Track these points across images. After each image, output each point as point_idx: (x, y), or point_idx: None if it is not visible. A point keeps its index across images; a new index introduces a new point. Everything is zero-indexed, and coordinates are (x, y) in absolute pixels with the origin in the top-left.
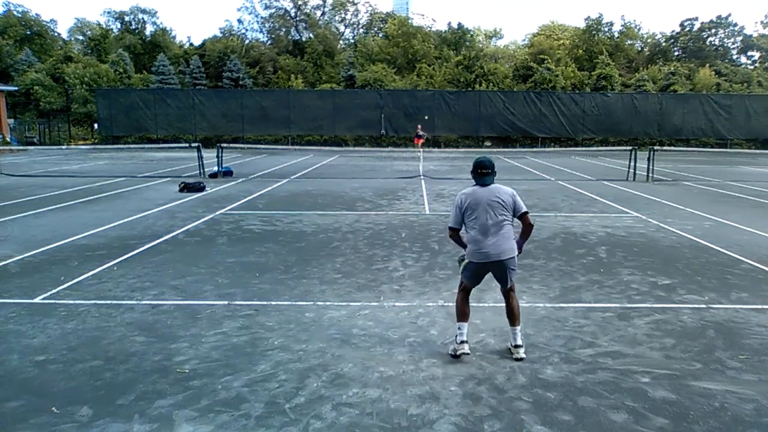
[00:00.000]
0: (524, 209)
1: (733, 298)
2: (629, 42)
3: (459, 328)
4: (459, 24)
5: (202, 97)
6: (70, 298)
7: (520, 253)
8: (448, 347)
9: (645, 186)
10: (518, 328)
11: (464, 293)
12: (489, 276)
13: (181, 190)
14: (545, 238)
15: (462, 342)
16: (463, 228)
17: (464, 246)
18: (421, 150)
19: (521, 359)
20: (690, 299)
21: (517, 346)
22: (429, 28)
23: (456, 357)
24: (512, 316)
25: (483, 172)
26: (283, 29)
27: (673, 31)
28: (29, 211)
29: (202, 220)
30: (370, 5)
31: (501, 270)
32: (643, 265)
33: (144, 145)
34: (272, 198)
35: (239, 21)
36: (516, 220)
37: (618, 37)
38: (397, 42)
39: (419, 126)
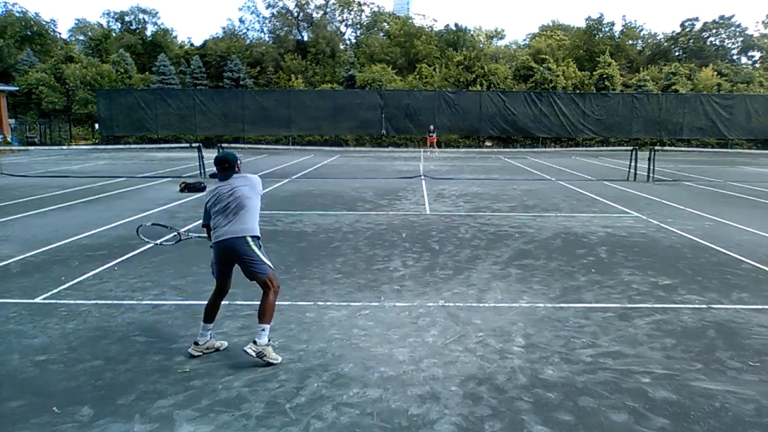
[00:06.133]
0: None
1: (733, 299)
2: (630, 42)
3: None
4: (456, 24)
5: (202, 97)
6: (70, 298)
7: None
8: (448, 347)
9: (645, 186)
10: (263, 327)
11: (214, 291)
12: (490, 276)
13: (181, 190)
14: (546, 238)
15: (195, 342)
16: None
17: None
18: (435, 149)
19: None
20: (690, 299)
21: (254, 342)
22: (430, 29)
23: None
24: (261, 312)
25: (221, 168)
26: (285, 29)
27: (673, 32)
28: (30, 211)
29: None
30: (375, 5)
31: (237, 255)
32: (644, 265)
33: (145, 145)
34: (273, 198)
35: (240, 20)
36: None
37: (619, 37)
38: (399, 42)
39: (432, 126)
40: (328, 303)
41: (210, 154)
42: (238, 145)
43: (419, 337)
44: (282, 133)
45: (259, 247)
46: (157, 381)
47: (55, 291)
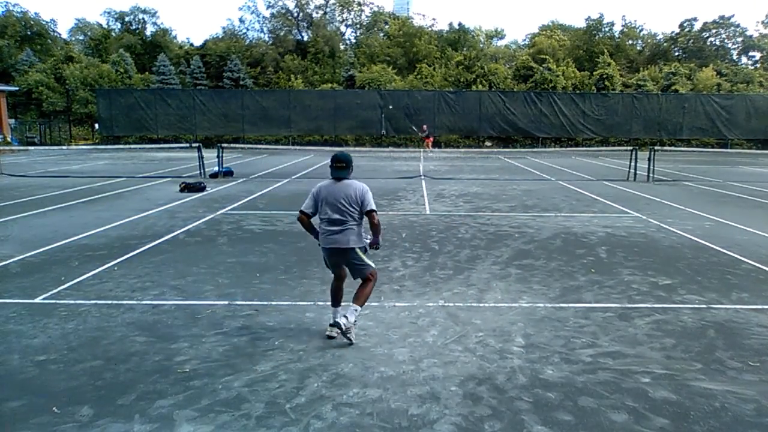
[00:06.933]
0: (370, 207)
1: (733, 299)
2: (630, 42)
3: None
4: (460, 24)
5: (202, 97)
6: (70, 298)
7: (377, 248)
8: (448, 347)
9: (645, 186)
10: (356, 308)
11: (334, 280)
12: (490, 276)
13: (181, 190)
14: (546, 238)
15: (331, 325)
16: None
17: (313, 232)
18: (432, 150)
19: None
20: (690, 299)
21: (345, 317)
22: (430, 29)
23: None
24: (357, 295)
25: (337, 166)
26: (285, 29)
27: (673, 32)
28: (30, 211)
29: (203, 220)
30: (375, 5)
31: (346, 260)
32: (644, 265)
33: (145, 145)
34: (273, 198)
35: (240, 20)
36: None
37: (619, 37)
38: (399, 42)
39: (425, 126)
40: (328, 303)
41: (210, 154)
42: (238, 145)
43: (419, 337)
44: (282, 133)
45: (365, 252)
46: (157, 381)
47: (55, 291)
